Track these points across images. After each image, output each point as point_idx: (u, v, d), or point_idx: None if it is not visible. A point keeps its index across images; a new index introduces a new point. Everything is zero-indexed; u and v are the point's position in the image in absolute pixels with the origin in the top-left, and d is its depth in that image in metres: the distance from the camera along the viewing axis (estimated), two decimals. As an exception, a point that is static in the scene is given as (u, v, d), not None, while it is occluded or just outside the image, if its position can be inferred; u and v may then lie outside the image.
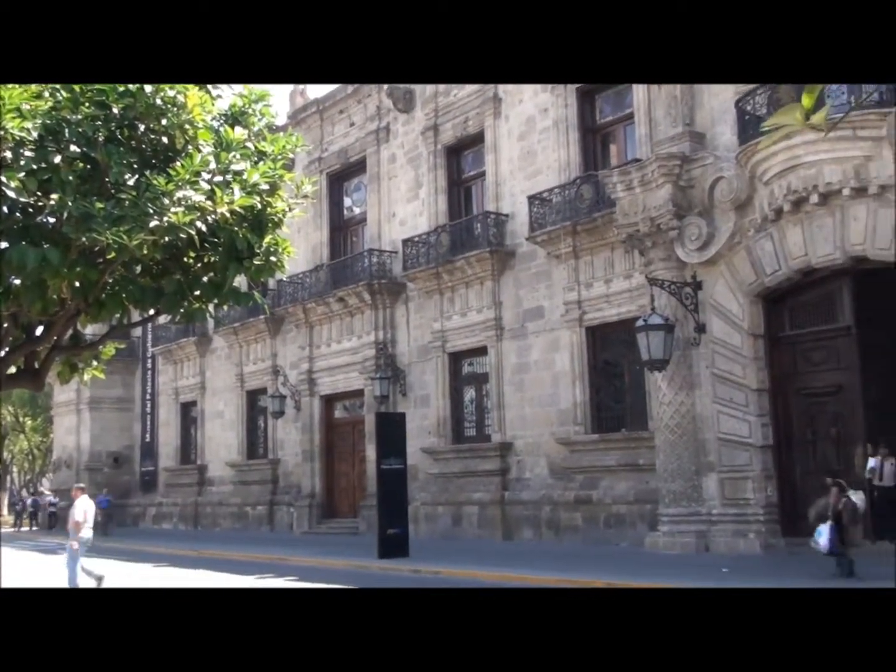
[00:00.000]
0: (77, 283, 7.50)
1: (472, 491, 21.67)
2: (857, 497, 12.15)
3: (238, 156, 7.37)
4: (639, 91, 18.68)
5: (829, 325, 15.36)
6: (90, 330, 14.39)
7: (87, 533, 13.38)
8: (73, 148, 7.14)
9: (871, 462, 14.65)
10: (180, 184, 6.87)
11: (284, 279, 26.79)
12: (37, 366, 8.85)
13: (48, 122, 7.04)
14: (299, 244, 25.04)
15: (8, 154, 6.81)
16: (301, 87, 28.81)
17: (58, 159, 7.02)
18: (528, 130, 21.37)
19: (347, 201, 27.66)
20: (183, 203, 6.83)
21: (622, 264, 18.79)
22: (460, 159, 23.91)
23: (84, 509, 13.45)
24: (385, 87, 24.31)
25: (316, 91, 38.40)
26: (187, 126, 7.57)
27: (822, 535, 11.97)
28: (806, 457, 15.63)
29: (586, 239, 19.21)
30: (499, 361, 21.40)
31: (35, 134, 6.91)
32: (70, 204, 6.85)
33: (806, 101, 2.97)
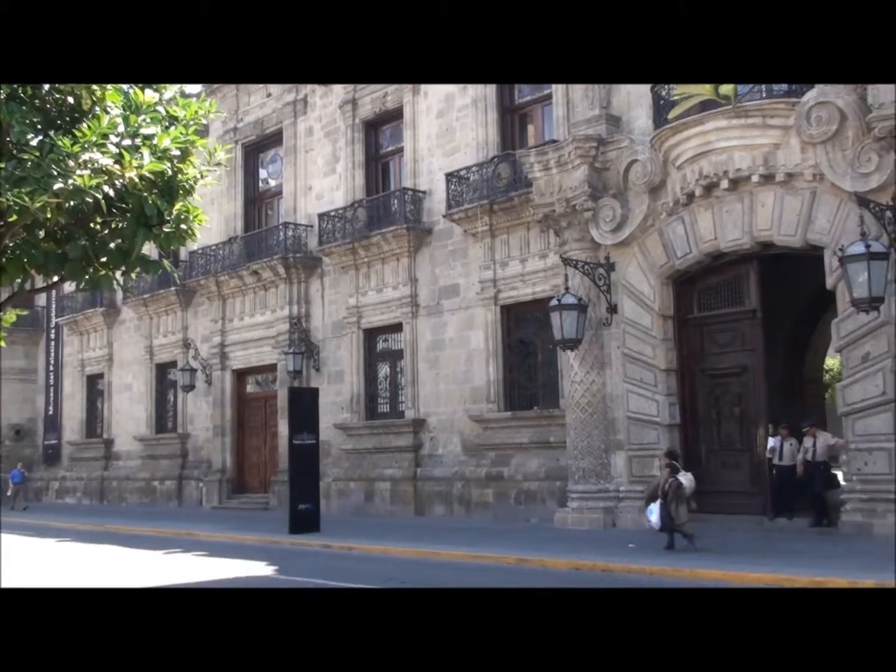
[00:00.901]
0: (-25, 247, 7.22)
1: (384, 467, 21.70)
2: (686, 478, 12.91)
3: (148, 119, 7.13)
4: (557, 72, 18.78)
5: (735, 307, 15.78)
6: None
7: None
8: (-29, 106, 6.84)
9: (771, 442, 15.16)
10: (87, 146, 6.61)
11: (197, 250, 26.28)
12: (-66, 333, 8.51)
13: (-55, 78, 6.73)
14: (213, 215, 24.58)
15: None
16: (217, 54, 28.13)
17: (-45, 117, 6.73)
18: (447, 108, 21.33)
19: (263, 173, 27.22)
20: (89, 166, 6.58)
21: (538, 244, 18.97)
22: (378, 134, 23.75)
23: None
24: (303, 58, 23.92)
25: (232, 59, 37.51)
26: (95, 86, 7.30)
27: (653, 514, 12.88)
28: (711, 435, 16.08)
29: (503, 218, 19.32)
30: (414, 338, 21.41)
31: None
32: (-32, 164, 6.58)
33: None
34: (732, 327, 15.83)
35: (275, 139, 26.07)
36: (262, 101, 26.28)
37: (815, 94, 13.88)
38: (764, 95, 14.44)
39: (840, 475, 14.97)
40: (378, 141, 23.78)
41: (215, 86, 26.93)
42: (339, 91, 23.91)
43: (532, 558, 12.71)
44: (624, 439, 16.29)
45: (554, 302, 16.10)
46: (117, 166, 6.73)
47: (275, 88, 25.86)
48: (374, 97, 23.00)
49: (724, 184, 14.73)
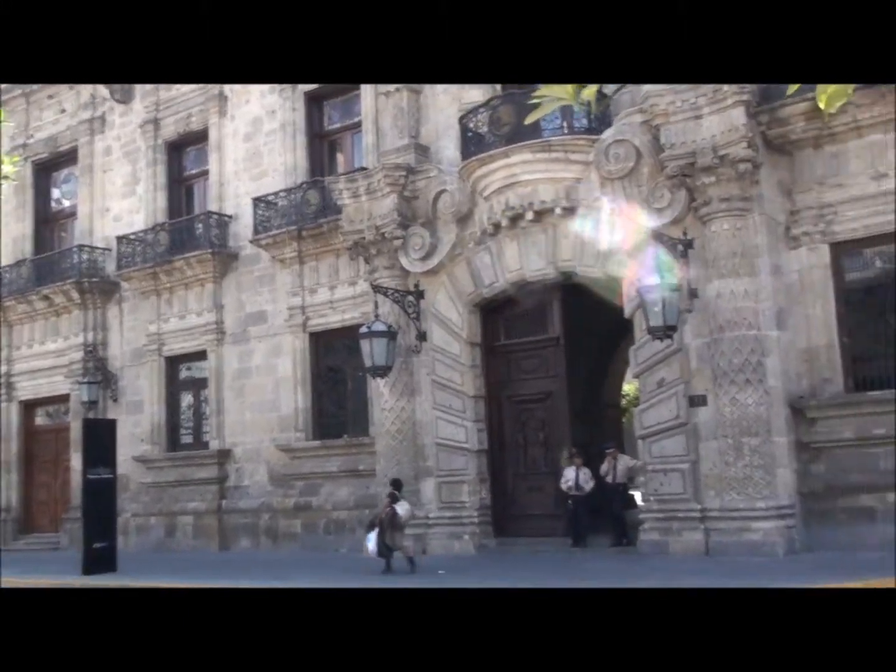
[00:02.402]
0: None
1: (187, 500, 20.83)
2: (402, 507, 13.85)
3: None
4: (367, 100, 18.89)
5: (540, 335, 16.25)
6: None
7: None
8: None
9: (567, 472, 15.42)
10: None
11: (-20, 273, 24.48)
12: None
13: None
14: (-1, 236, 23.01)
15: None
16: (5, 65, 26.49)
17: None
18: (254, 131, 20.95)
19: (56, 193, 25.73)
20: None
21: (347, 271, 18.87)
22: (182, 156, 23.00)
23: None
24: (101, 73, 22.90)
25: (22, 72, 35.42)
26: None
27: (371, 541, 13.74)
28: (517, 460, 16.43)
29: (312, 244, 19.11)
30: (219, 366, 20.76)
31: None
32: None
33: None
34: (537, 354, 16.29)
35: (69, 157, 24.70)
36: (56, 118, 24.90)
37: (612, 132, 14.58)
38: (566, 132, 15.03)
39: (638, 496, 15.62)
40: (182, 163, 23.02)
41: (2, 99, 25.30)
42: (139, 110, 23.02)
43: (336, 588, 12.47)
44: (433, 466, 16.38)
45: (364, 329, 16.03)
46: None
47: (69, 104, 24.59)
48: (177, 118, 22.28)
49: (530, 215, 15.18)
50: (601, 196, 14.70)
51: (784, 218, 13.98)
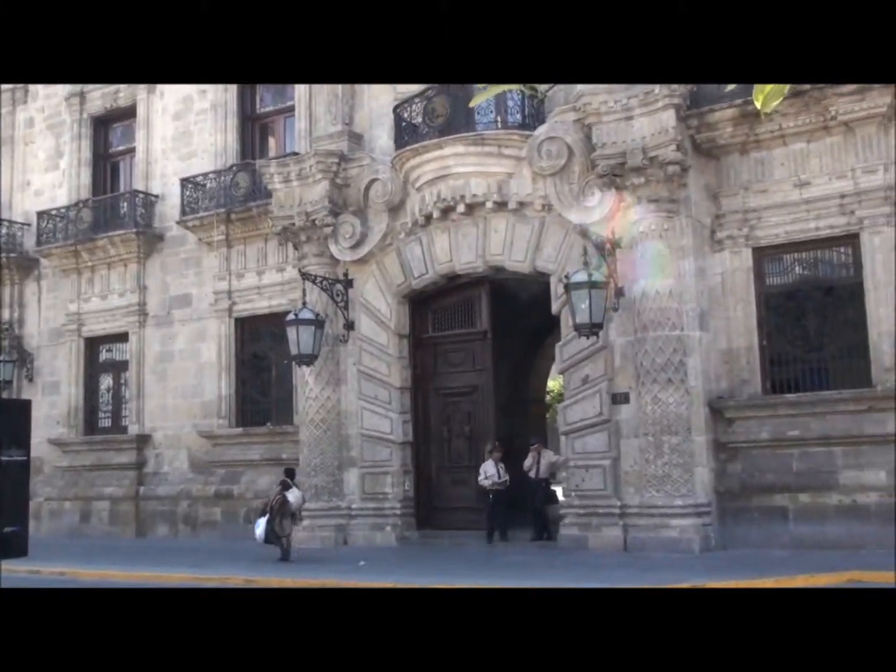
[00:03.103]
0: None
1: (103, 485, 20.40)
2: (293, 495, 14.19)
3: None
4: (301, 85, 18.63)
5: (468, 328, 16.27)
6: None
7: None
8: None
9: (485, 467, 15.47)
10: None
11: None
12: None
13: None
14: (-88, 207, 22.15)
15: None
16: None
17: None
18: (184, 110, 20.52)
19: (-26, 164, 24.87)
20: None
21: (275, 257, 18.65)
22: (109, 132, 22.43)
23: None
24: (26, 43, 22.19)
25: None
26: None
27: (259, 527, 14.06)
28: (442, 453, 16.45)
29: (240, 228, 18.83)
30: (140, 349, 20.34)
31: None
32: None
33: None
34: (464, 347, 16.31)
35: (-11, 128, 23.90)
36: (-24, 86, 24.06)
37: (545, 129, 14.64)
38: (500, 126, 15.04)
39: (559, 491, 15.79)
40: (108, 139, 22.45)
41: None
42: (65, 82, 22.38)
43: (260, 578, 12.35)
44: (357, 456, 16.31)
45: (291, 316, 15.85)
46: None
47: (-9, 73, 23.76)
48: (104, 92, 21.70)
49: (461, 208, 15.17)
50: (532, 192, 14.77)
51: (709, 221, 14.22)
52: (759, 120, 13.30)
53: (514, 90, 13.99)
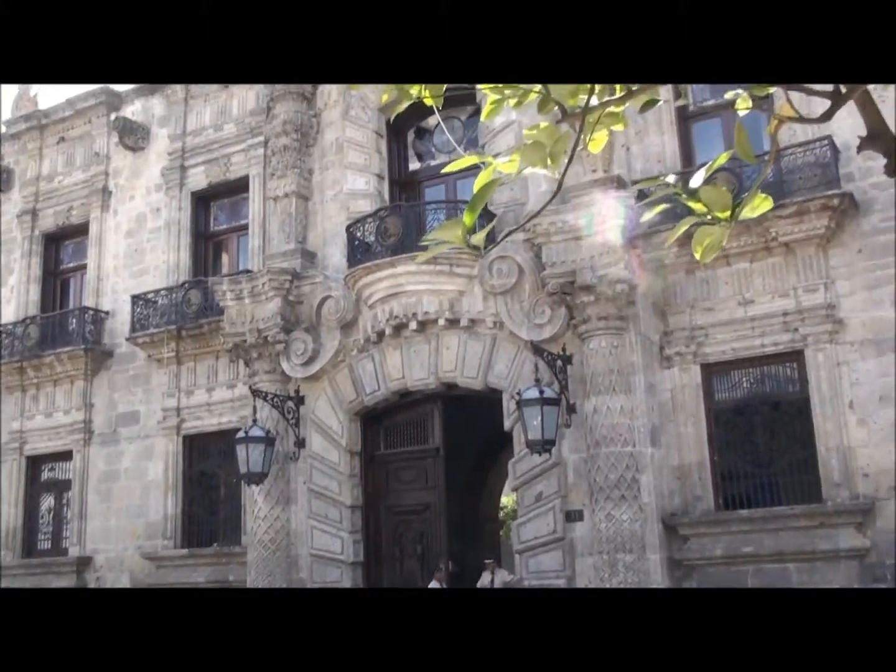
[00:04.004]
0: None
1: (40, 611, 19.52)
2: None
3: None
4: (255, 203, 18.90)
5: (420, 445, 16.15)
6: None
7: None
8: None
9: (431, 586, 15.09)
10: None
11: None
12: None
13: None
14: None
15: None
16: None
17: None
18: (137, 228, 20.62)
19: (-80, 280, 24.59)
20: None
21: (226, 374, 18.50)
22: (60, 249, 22.39)
23: None
24: (-21, 161, 22.33)
25: None
26: None
27: None
28: (393, 572, 16.07)
29: (191, 345, 18.71)
30: (84, 467, 19.83)
31: None
32: None
33: (467, 219, 3.00)
34: (417, 465, 16.16)
35: (-62, 244, 23.75)
36: (-73, 203, 24.00)
37: (497, 249, 14.91)
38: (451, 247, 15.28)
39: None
40: (59, 256, 22.40)
41: None
42: (17, 200, 22.42)
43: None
44: (307, 577, 15.87)
45: (240, 434, 15.64)
46: None
47: (-57, 190, 23.74)
48: (57, 209, 21.77)
49: (413, 325, 15.28)
50: (484, 309, 14.96)
51: (658, 338, 14.46)
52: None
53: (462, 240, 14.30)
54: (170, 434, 18.90)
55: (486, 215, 14.57)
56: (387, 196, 17.38)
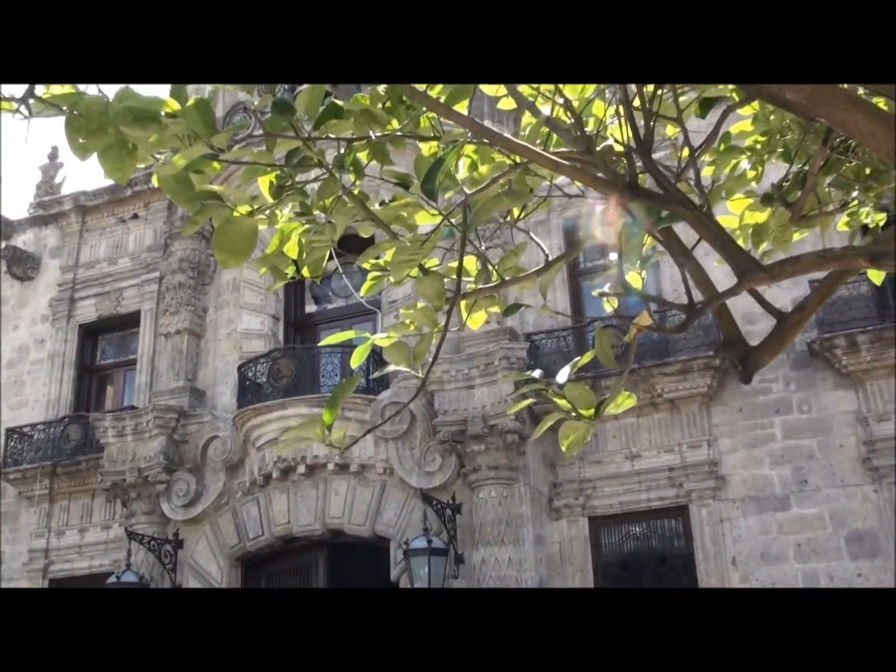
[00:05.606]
0: None
1: None
2: None
3: None
4: (145, 339, 18.54)
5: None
6: None
7: None
8: None
9: None
10: None
11: None
12: None
13: None
14: None
15: None
16: None
17: None
18: (18, 359, 19.93)
19: None
20: None
21: (101, 514, 17.64)
22: (-67, 377, 21.41)
23: None
24: None
25: None
26: None
27: None
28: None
29: (66, 482, 17.85)
30: (-63, 613, 18.36)
31: None
32: None
33: (327, 417, 3.01)
34: (298, 615, 15.51)
35: None
36: None
37: (389, 394, 14.92)
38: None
39: None
40: (-69, 384, 21.39)
41: None
42: None
43: None
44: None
45: (112, 579, 14.82)
46: None
47: None
48: (-66, 337, 20.94)
49: (301, 469, 14.98)
50: (374, 455, 14.81)
51: (547, 489, 14.51)
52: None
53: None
54: (35, 577, 17.75)
55: (381, 361, 14.61)
56: (281, 337, 17.33)
